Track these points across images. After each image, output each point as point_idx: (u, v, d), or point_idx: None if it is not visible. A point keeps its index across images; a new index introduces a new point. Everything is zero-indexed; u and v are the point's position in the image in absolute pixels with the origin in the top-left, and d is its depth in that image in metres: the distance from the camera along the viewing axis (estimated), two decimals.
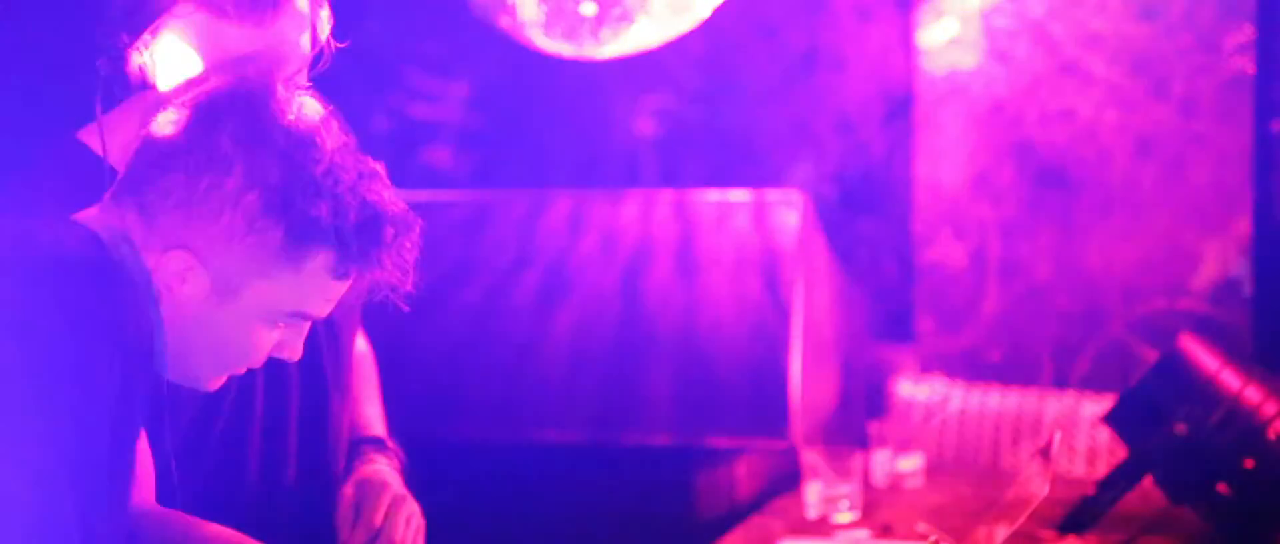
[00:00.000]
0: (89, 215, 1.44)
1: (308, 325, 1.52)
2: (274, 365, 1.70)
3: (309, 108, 1.45)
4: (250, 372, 1.70)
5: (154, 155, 1.42)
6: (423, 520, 1.79)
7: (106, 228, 1.42)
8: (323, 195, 1.40)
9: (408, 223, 1.48)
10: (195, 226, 1.39)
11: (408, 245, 1.49)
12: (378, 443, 1.94)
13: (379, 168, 1.49)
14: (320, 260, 1.43)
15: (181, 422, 1.67)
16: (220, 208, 1.39)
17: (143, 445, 1.61)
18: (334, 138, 1.44)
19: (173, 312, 1.43)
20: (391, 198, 1.48)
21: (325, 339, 1.83)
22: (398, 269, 1.49)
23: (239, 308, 1.43)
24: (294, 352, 1.53)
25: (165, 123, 1.43)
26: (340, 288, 1.48)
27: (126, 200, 1.43)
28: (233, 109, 1.42)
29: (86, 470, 1.32)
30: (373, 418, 2.00)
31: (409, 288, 1.69)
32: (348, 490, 1.81)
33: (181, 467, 1.67)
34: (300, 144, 1.41)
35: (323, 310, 1.50)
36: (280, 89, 1.45)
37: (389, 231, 1.45)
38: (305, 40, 1.62)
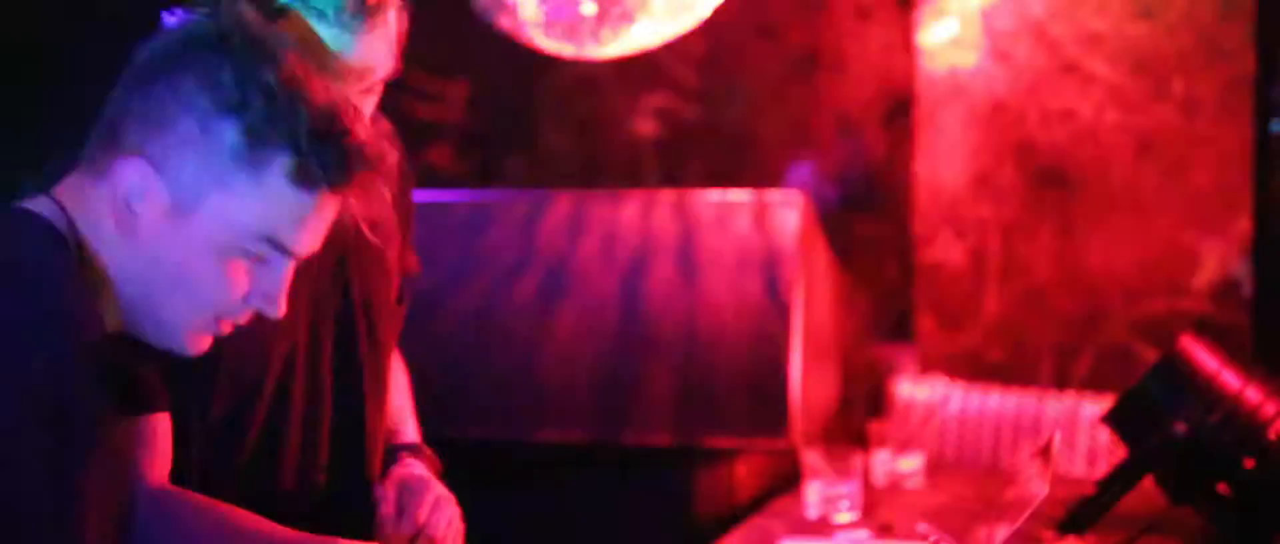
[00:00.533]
0: (67, 182, 1.41)
1: (287, 271, 1.44)
2: (312, 370, 1.71)
3: (279, 32, 1.42)
4: (288, 371, 1.70)
5: (124, 81, 1.39)
6: (463, 524, 1.80)
7: (68, 195, 1.39)
8: (280, 98, 1.36)
9: (378, 146, 1.42)
10: (152, 135, 1.35)
11: (381, 167, 1.42)
12: (414, 448, 1.95)
13: (354, 103, 1.45)
14: (279, 168, 1.36)
15: (213, 419, 1.68)
16: (176, 113, 1.35)
17: (163, 428, 1.61)
18: (302, 63, 1.39)
19: (134, 246, 1.37)
20: (364, 126, 1.42)
21: (366, 342, 1.84)
22: (372, 194, 1.43)
23: (202, 230, 1.37)
24: (274, 303, 1.44)
25: (141, 50, 1.40)
26: (307, 208, 1.40)
27: (103, 137, 1.39)
28: (196, 27, 1.40)
29: (16, 464, 1.26)
30: (408, 424, 2.02)
31: (390, 220, 1.77)
32: (389, 490, 1.81)
33: (215, 465, 1.68)
34: (262, 54, 1.37)
35: (297, 242, 1.42)
36: (249, 15, 1.42)
37: (354, 145, 1.39)
38: (391, 48, 1.67)
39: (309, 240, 1.43)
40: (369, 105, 1.72)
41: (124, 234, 1.37)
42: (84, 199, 1.38)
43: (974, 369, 3.46)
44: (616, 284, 2.84)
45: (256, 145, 1.35)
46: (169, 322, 1.41)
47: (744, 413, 2.74)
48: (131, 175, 1.35)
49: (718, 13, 2.30)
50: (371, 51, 1.64)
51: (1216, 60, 3.25)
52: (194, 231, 1.37)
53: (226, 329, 1.45)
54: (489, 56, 3.48)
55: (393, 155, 1.95)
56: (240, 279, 1.40)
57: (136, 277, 1.38)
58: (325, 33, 1.60)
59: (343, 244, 1.82)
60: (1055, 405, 3.21)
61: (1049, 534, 2.23)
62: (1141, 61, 3.31)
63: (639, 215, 2.89)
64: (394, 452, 1.93)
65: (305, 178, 1.38)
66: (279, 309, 1.44)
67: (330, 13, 1.59)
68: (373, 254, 1.88)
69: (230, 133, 1.35)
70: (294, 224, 1.40)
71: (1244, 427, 2.15)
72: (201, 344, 1.45)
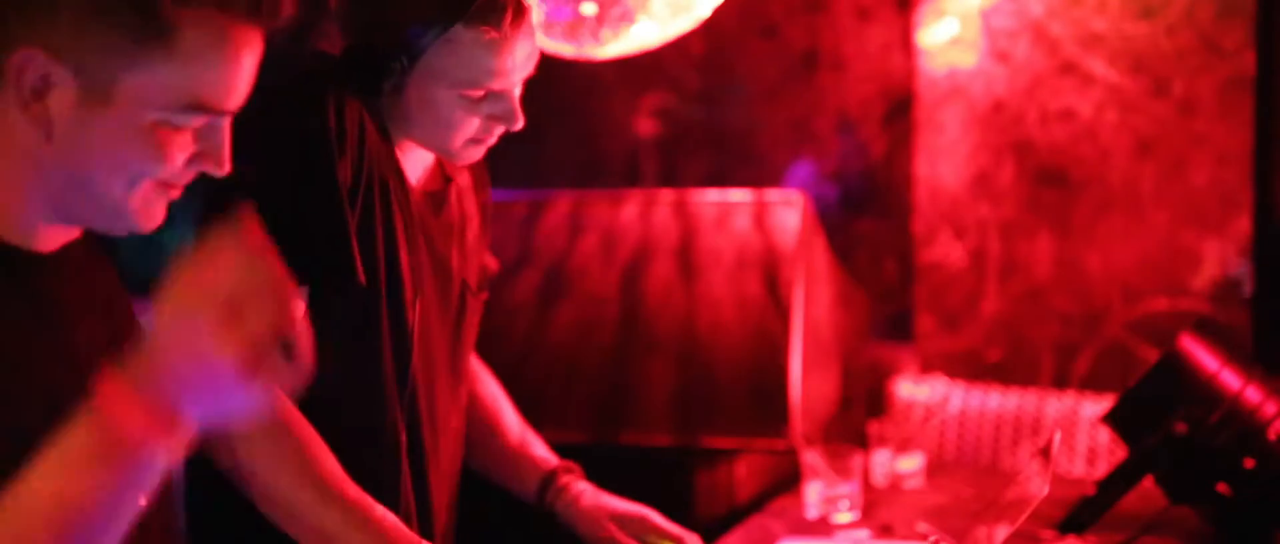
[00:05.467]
0: None
1: (225, 128, 1.36)
2: (423, 335, 1.81)
3: None
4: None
5: None
6: None
7: None
8: None
9: None
10: (41, 23, 1.26)
11: None
12: (569, 468, 2.17)
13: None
14: (188, 28, 1.27)
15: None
16: None
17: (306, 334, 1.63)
18: None
19: (55, 143, 1.28)
20: None
21: (457, 318, 1.95)
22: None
23: (122, 112, 1.28)
24: (220, 161, 1.36)
25: None
26: (227, 59, 1.30)
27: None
28: None
29: None
30: (530, 435, 2.21)
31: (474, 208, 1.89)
32: (611, 527, 2.06)
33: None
34: None
35: (226, 99, 1.33)
36: None
37: None
38: (535, 47, 1.82)
39: (238, 92, 1.34)
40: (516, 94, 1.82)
41: (42, 133, 1.28)
42: None
43: (974, 369, 3.46)
44: (616, 284, 2.84)
45: (157, 14, 1.26)
46: (109, 200, 1.32)
47: (744, 413, 2.73)
48: (30, 69, 1.26)
49: (718, 13, 2.30)
50: (528, 49, 1.79)
51: (1216, 60, 3.25)
52: (115, 117, 1.28)
53: (176, 194, 1.37)
54: None
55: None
56: (176, 147, 1.32)
57: (65, 171, 1.30)
58: (493, 44, 1.73)
59: (455, 226, 1.91)
60: (1055, 405, 3.21)
61: (1049, 534, 2.23)
62: (1141, 61, 3.31)
63: (639, 215, 2.89)
64: (555, 474, 2.14)
65: (223, 29, 1.29)
66: (223, 166, 1.36)
67: (498, 25, 1.72)
68: (469, 237, 1.97)
69: (124, 9, 1.26)
70: (218, 82, 1.31)
71: (1244, 427, 2.15)
72: (153, 216, 1.36)
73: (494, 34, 1.72)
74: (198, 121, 1.32)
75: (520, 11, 1.73)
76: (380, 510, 1.69)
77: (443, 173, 1.96)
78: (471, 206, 2.05)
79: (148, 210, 1.35)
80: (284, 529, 1.68)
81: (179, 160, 1.33)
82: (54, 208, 1.33)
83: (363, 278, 1.73)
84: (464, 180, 2.04)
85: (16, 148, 1.30)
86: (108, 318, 1.44)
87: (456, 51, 1.73)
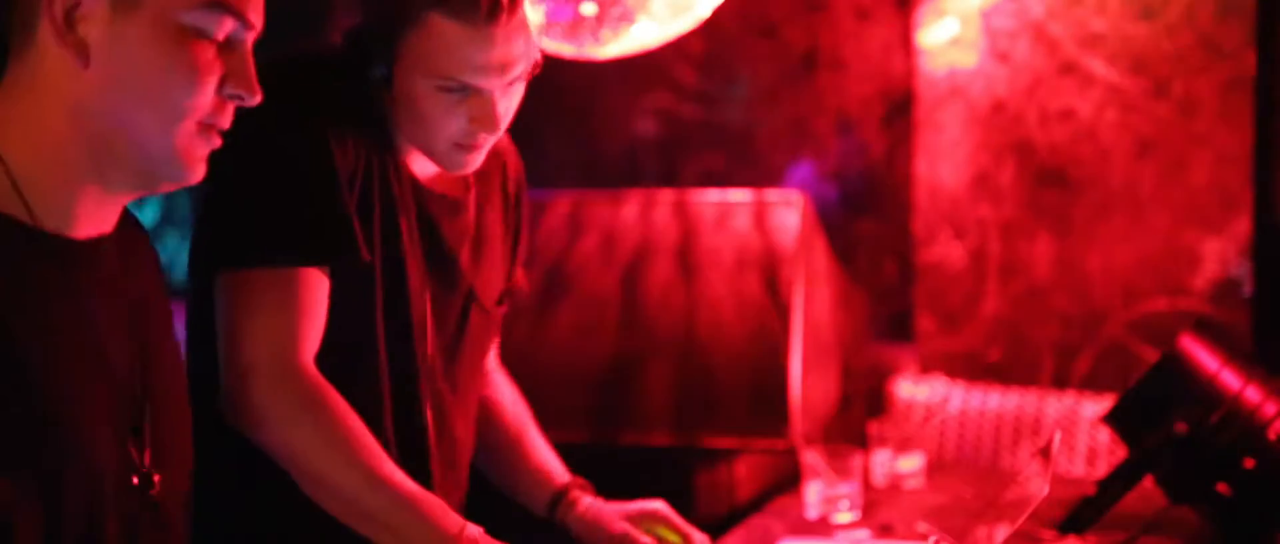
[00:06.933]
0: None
1: (248, 43, 1.39)
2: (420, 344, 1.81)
3: None
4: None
5: None
6: None
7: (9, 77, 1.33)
8: None
9: None
10: None
11: None
12: (583, 486, 2.13)
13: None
14: None
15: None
16: None
17: (313, 283, 1.68)
18: None
19: (92, 73, 1.30)
20: None
21: (457, 329, 1.93)
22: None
23: (151, 16, 1.30)
24: (249, 84, 1.38)
25: None
26: None
27: None
28: None
29: None
30: (548, 453, 2.18)
31: (499, 221, 1.90)
32: (623, 523, 2.03)
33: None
34: None
35: (248, 3, 1.36)
36: None
37: None
38: (528, 40, 1.78)
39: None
40: (516, 97, 1.80)
41: (80, 61, 1.30)
42: (30, 51, 1.32)
43: (974, 369, 3.46)
44: (616, 284, 2.84)
45: None
46: (154, 141, 1.33)
47: (744, 413, 2.74)
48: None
49: (718, 13, 2.30)
50: (511, 47, 1.74)
51: (1216, 60, 3.25)
52: (146, 23, 1.31)
53: (217, 143, 1.39)
54: None
55: (514, 164, 2.08)
56: (205, 64, 1.34)
57: (104, 111, 1.32)
58: (468, 34, 1.70)
59: (470, 234, 1.90)
60: (1055, 405, 3.21)
61: (1049, 534, 2.23)
62: (1141, 61, 3.31)
63: (639, 215, 2.89)
64: (566, 491, 2.11)
65: None
66: (254, 90, 1.38)
67: (472, 16, 1.69)
68: (487, 250, 1.95)
69: None
70: None
71: (1244, 427, 2.15)
72: (196, 162, 1.37)
73: (469, 26, 1.71)
74: (224, 27, 1.34)
75: (496, 8, 1.71)
76: (425, 493, 1.70)
77: (464, 179, 1.95)
78: (495, 221, 2.03)
79: (192, 153, 1.36)
80: (328, 511, 1.69)
81: (210, 83, 1.34)
82: (97, 166, 1.33)
83: (366, 255, 1.73)
84: (491, 188, 2.03)
85: (56, 92, 1.31)
86: (137, 323, 1.42)
87: (430, 40, 1.72)
